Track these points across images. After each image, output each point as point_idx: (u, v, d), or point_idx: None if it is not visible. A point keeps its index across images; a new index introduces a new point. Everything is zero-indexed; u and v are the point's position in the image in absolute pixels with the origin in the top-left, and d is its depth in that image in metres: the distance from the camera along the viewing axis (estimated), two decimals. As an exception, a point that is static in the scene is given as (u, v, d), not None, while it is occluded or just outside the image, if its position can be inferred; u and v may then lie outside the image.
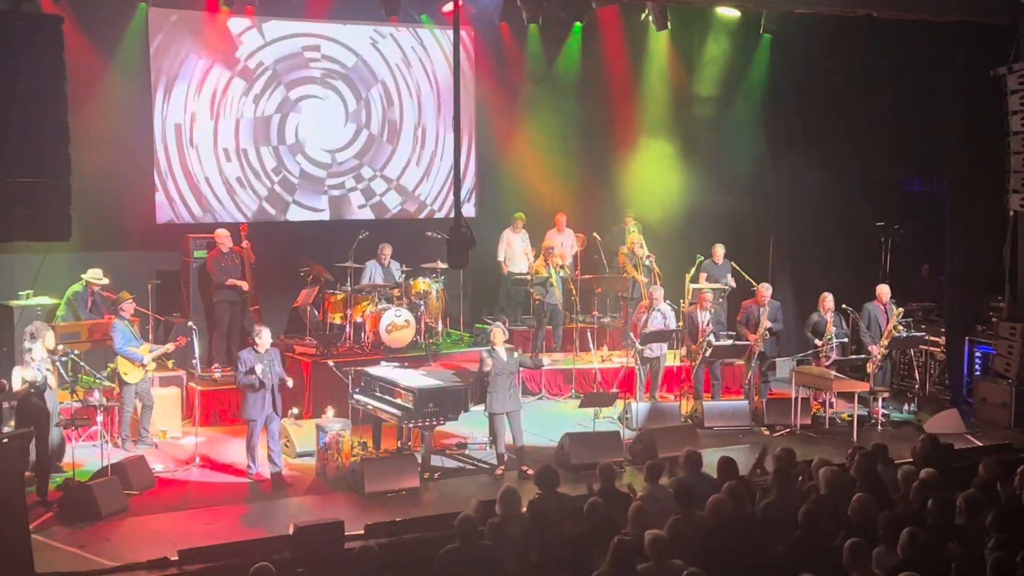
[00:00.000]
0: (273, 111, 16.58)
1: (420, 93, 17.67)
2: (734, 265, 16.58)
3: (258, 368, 12.08)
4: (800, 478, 9.65)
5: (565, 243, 17.18)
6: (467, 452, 13.49)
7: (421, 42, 17.54)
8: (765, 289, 15.20)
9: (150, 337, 14.24)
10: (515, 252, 17.23)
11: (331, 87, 16.98)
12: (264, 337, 12.32)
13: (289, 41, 16.61)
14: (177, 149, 15.96)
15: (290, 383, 12.71)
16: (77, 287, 14.07)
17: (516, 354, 13.04)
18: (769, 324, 14.90)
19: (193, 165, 16.10)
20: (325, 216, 17.08)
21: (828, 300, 15.01)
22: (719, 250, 16.61)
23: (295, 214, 16.86)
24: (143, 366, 13.13)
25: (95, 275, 14.07)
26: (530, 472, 11.92)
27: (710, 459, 9.84)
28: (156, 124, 15.76)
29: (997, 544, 7.43)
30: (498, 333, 12.93)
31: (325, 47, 16.89)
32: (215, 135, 16.23)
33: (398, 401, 12.57)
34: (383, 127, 17.43)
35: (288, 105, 16.68)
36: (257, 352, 12.22)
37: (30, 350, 11.59)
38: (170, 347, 13.52)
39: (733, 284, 16.51)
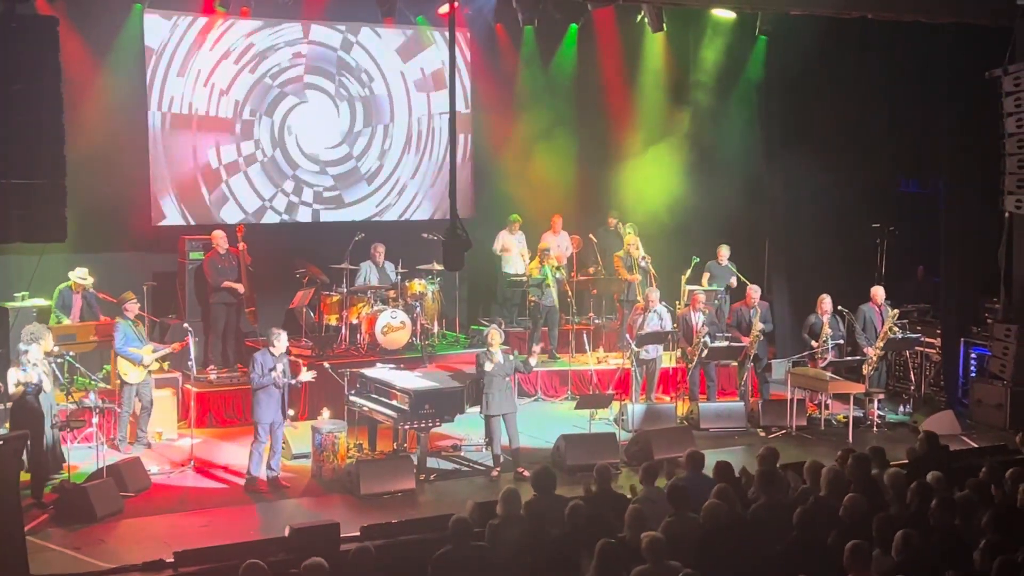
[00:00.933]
0: (273, 126, 16.64)
1: (421, 144, 17.74)
2: (732, 267, 16.57)
3: (278, 368, 12.11)
4: (792, 484, 9.64)
5: (560, 245, 17.17)
6: (463, 454, 13.49)
7: (412, 43, 17.57)
8: (755, 291, 15.25)
9: (145, 336, 14.18)
10: (511, 254, 17.23)
11: (331, 86, 17.02)
12: (282, 340, 12.29)
13: (284, 47, 16.65)
14: (174, 152, 15.97)
15: (307, 377, 12.70)
16: (62, 286, 14.03)
17: (512, 356, 13.03)
18: (762, 326, 14.93)
19: (196, 180, 16.12)
20: (347, 210, 17.14)
21: (826, 302, 15.04)
22: (724, 251, 16.60)
23: (241, 190, 16.60)
24: (145, 367, 13.11)
25: (80, 274, 14.01)
26: (525, 474, 11.93)
27: (706, 461, 9.83)
28: (151, 125, 15.75)
29: (989, 545, 7.42)
30: (495, 335, 12.91)
31: (320, 49, 16.94)
32: (226, 155, 16.31)
33: (394, 403, 12.58)
34: (374, 163, 17.45)
35: (285, 117, 16.71)
36: (273, 355, 12.22)
37: (26, 352, 11.57)
38: (176, 347, 13.47)
39: (734, 284, 16.50)
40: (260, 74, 16.45)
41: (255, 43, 16.38)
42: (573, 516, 8.26)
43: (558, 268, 16.40)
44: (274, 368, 12.07)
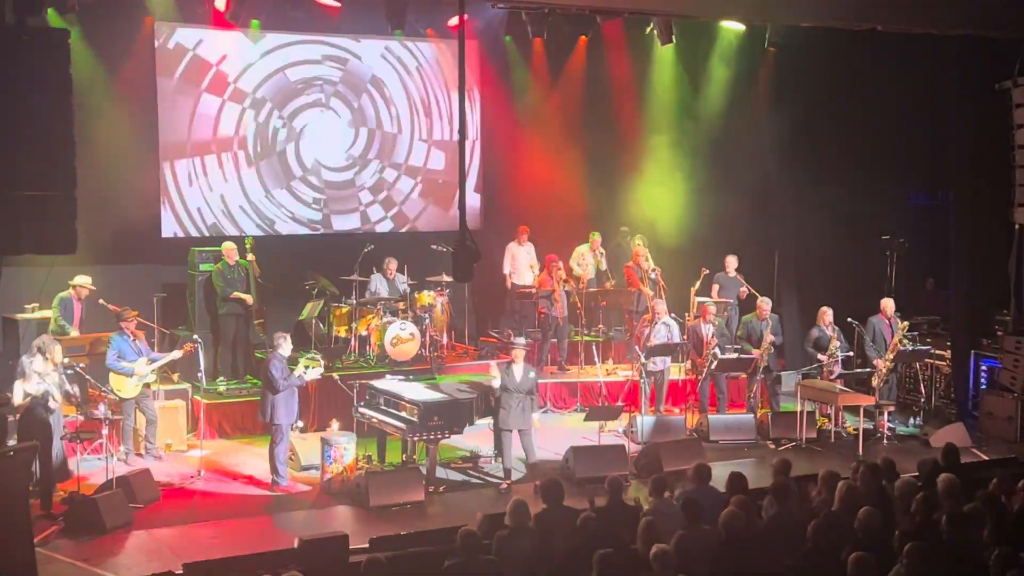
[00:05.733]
0: (283, 139, 16.75)
1: (427, 103, 17.79)
2: (740, 277, 16.55)
3: (296, 372, 12.33)
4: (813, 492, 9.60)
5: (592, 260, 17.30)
6: (473, 466, 13.47)
7: (424, 55, 17.64)
8: (765, 303, 15.22)
9: (155, 348, 14.16)
10: (520, 265, 17.24)
11: (341, 99, 17.11)
12: (288, 342, 12.55)
13: (294, 60, 16.75)
14: (183, 164, 16.04)
15: (315, 374, 12.92)
16: (63, 294, 13.99)
17: (532, 373, 13.00)
18: (772, 338, 14.90)
19: (205, 192, 16.30)
20: (356, 222, 17.30)
21: (828, 315, 15.03)
22: (731, 261, 16.58)
23: (250, 203, 16.78)
24: (140, 377, 13.06)
25: (82, 280, 13.98)
26: (540, 487, 11.91)
27: (716, 472, 9.81)
28: (161, 138, 15.81)
29: (1000, 557, 7.37)
30: (519, 352, 12.90)
31: (330, 63, 17.02)
32: (236, 168, 16.46)
33: (403, 414, 12.58)
34: (384, 175, 17.60)
35: (294, 129, 16.81)
36: (284, 357, 12.38)
37: (30, 363, 11.55)
38: (177, 354, 13.41)
39: (744, 295, 16.47)
40: (270, 86, 16.52)
41: (266, 55, 16.44)
42: (584, 528, 8.24)
43: (566, 280, 16.39)
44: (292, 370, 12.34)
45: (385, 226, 17.53)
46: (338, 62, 17.03)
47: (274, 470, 12.44)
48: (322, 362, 13.22)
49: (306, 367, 12.64)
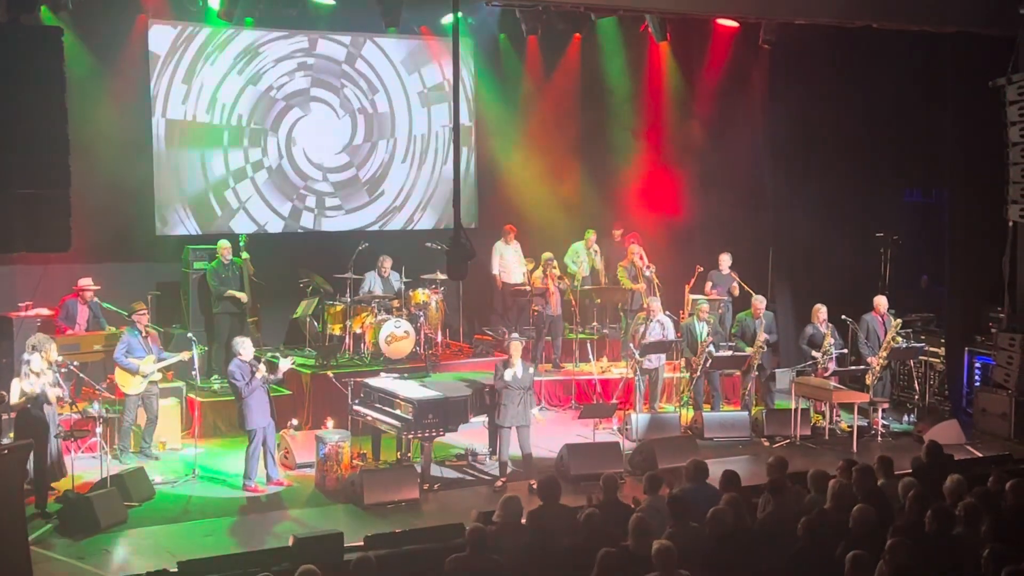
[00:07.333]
0: (278, 110, 16.68)
1: (428, 144, 17.78)
2: (733, 275, 16.56)
3: (260, 371, 12.21)
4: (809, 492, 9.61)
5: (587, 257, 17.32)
6: (467, 463, 13.47)
7: (445, 78, 17.59)
8: (759, 302, 15.23)
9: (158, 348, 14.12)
10: (510, 263, 17.21)
11: (347, 109, 17.14)
12: (247, 346, 12.46)
13: (293, 58, 16.75)
14: (177, 160, 16.01)
15: (287, 364, 12.76)
16: (67, 298, 14.02)
17: (531, 369, 12.99)
18: (766, 336, 14.91)
19: (200, 189, 16.22)
20: (278, 224, 16.94)
21: (822, 312, 15.03)
22: (725, 259, 16.59)
23: (255, 207, 16.71)
24: (144, 376, 13.05)
25: (84, 282, 14.03)
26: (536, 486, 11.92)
27: (711, 470, 9.80)
28: (154, 135, 15.78)
29: (992, 555, 7.37)
30: (516, 347, 12.88)
31: (343, 64, 17.05)
32: (214, 85, 16.21)
33: (398, 412, 12.58)
34: (377, 173, 17.51)
35: (296, 100, 16.78)
36: (245, 362, 12.28)
37: (28, 362, 11.54)
38: (185, 356, 13.32)
39: (736, 292, 16.48)
40: (264, 85, 16.49)
41: (259, 54, 16.41)
42: (588, 525, 8.23)
43: (560, 278, 16.39)
44: (254, 373, 12.20)
45: (380, 224, 17.50)
46: (332, 60, 16.93)
47: (246, 473, 12.40)
48: (282, 355, 13.03)
49: (267, 367, 12.55)
